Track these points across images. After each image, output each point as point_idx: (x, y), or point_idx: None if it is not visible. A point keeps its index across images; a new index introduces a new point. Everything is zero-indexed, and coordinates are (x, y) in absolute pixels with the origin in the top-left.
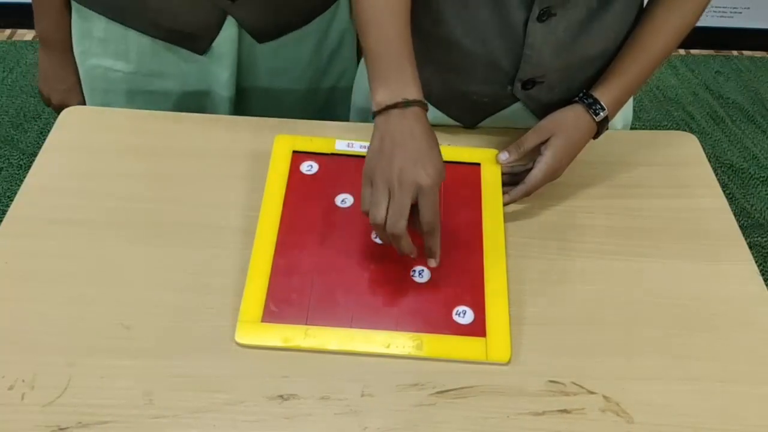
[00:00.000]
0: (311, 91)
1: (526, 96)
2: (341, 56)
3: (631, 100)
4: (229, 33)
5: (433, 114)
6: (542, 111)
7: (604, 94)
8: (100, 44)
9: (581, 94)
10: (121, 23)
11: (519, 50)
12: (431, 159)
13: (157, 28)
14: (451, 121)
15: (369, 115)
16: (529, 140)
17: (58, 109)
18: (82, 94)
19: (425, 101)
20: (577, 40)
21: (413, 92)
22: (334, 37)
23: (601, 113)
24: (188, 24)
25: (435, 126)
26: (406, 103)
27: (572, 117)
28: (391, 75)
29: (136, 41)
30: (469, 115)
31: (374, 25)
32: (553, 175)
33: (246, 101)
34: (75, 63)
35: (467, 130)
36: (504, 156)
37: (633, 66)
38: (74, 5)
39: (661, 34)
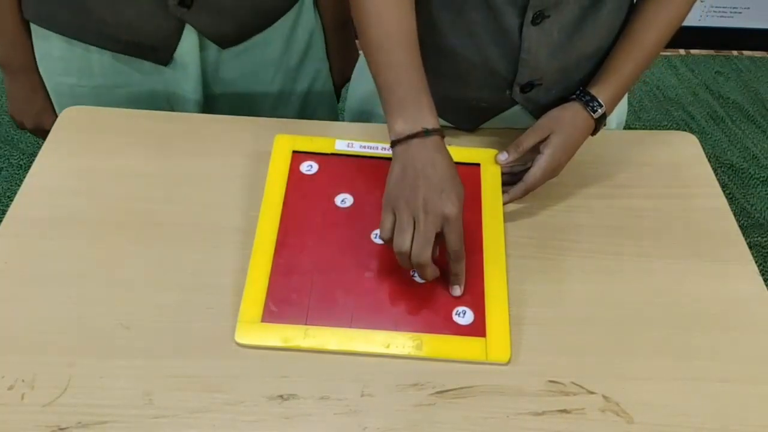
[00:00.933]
0: (285, 94)
1: (525, 99)
2: (312, 57)
3: (626, 99)
4: (189, 42)
5: None
6: (540, 112)
7: (601, 91)
8: (61, 63)
9: (578, 92)
10: (81, 41)
11: (515, 55)
12: (455, 188)
13: (116, 42)
14: (448, 125)
15: (364, 117)
16: (528, 139)
17: (35, 132)
18: (55, 112)
19: (442, 129)
20: (572, 39)
21: (431, 122)
22: (301, 37)
23: (599, 110)
24: (147, 36)
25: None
26: (426, 132)
27: (570, 115)
28: (408, 105)
29: (98, 57)
30: (467, 119)
31: (384, 52)
32: (552, 173)
33: (218, 108)
34: (42, 83)
35: (467, 131)
36: (503, 156)
37: (628, 62)
38: (32, 26)
39: (653, 28)
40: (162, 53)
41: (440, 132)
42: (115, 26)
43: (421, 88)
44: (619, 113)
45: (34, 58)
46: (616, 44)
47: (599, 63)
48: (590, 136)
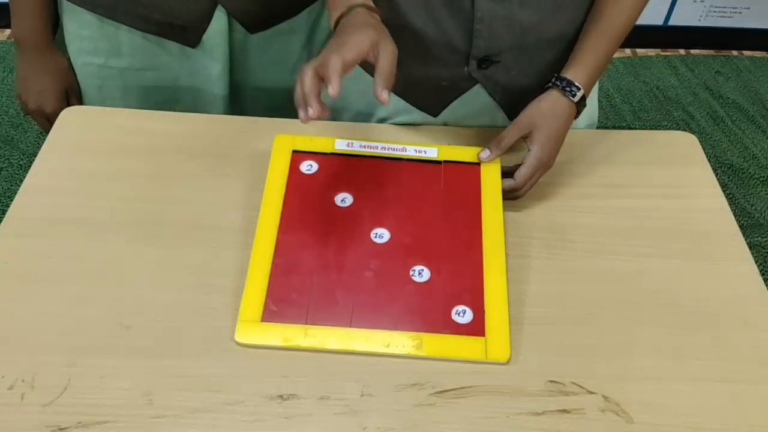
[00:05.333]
0: None
1: (483, 76)
2: None
3: (595, 97)
4: (219, 24)
5: (399, 104)
6: (502, 95)
7: (577, 74)
8: (90, 42)
9: (554, 79)
10: (112, 19)
11: (470, 26)
12: (351, 36)
13: (147, 21)
14: (417, 112)
15: (361, 117)
16: (509, 135)
17: (36, 115)
18: (59, 97)
19: (372, 6)
20: (532, 19)
21: (357, 3)
22: (323, 32)
23: (578, 93)
24: (179, 16)
25: (415, 124)
26: (349, 9)
27: (549, 105)
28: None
29: (127, 37)
30: (432, 101)
31: None
32: (544, 166)
33: (239, 96)
34: (52, 64)
35: (467, 130)
36: (485, 154)
37: (601, 42)
38: (65, 4)
39: (623, 8)
40: (192, 34)
41: (365, 6)
42: (147, 5)
43: None
44: (590, 114)
45: (49, 38)
46: (586, 25)
47: (562, 50)
48: (591, 133)
